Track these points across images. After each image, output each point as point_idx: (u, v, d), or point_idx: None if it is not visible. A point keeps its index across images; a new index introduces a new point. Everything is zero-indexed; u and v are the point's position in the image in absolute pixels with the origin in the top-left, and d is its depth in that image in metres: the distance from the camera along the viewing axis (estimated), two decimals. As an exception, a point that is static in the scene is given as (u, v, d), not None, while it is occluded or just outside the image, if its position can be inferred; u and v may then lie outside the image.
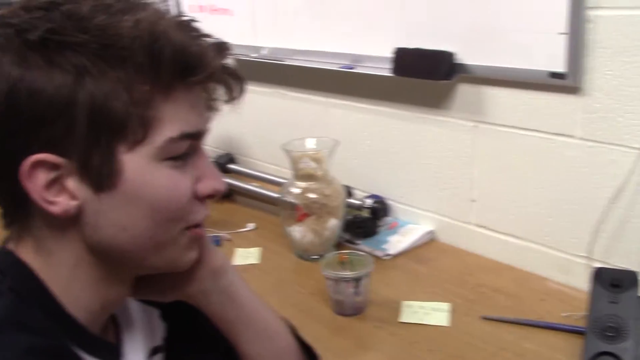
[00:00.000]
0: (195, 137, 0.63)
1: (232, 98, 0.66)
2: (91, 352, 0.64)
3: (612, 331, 0.98)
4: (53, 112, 0.56)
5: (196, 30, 0.62)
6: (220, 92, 0.67)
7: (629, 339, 0.96)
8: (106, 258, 0.63)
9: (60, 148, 0.58)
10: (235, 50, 1.96)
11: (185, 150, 0.63)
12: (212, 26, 0.65)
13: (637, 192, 1.13)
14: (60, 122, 0.57)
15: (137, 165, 0.59)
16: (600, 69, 1.12)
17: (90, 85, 0.56)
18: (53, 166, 0.58)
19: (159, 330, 0.79)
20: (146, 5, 0.61)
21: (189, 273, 0.71)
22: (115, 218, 0.60)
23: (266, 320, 0.78)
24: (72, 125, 0.57)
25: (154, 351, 0.76)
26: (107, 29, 0.57)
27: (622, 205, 1.16)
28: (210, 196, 0.66)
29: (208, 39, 0.63)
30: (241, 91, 0.66)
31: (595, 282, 1.03)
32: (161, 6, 0.63)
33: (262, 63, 1.79)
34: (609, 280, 1.02)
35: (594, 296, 1.02)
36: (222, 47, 0.63)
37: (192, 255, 0.68)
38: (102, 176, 0.59)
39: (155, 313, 0.79)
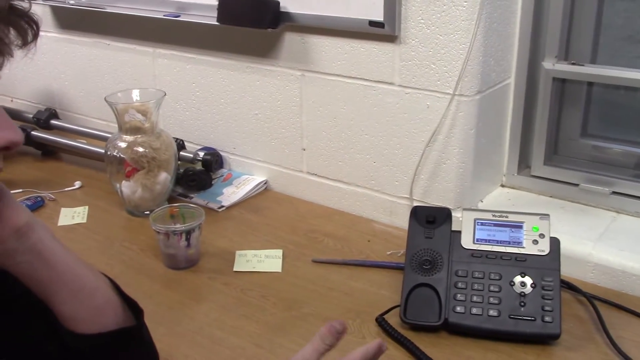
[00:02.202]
0: None
1: (25, 42, 0.61)
2: None
3: (428, 264, 1.05)
4: None
5: None
6: (13, 36, 0.61)
7: (443, 270, 1.04)
8: None
9: None
10: (51, -3, 1.77)
11: None
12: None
13: (449, 135, 1.21)
14: None
15: None
16: (414, 17, 1.17)
17: None
18: None
19: None
20: None
21: None
22: None
23: (82, 278, 0.74)
24: None
25: None
26: None
27: (437, 148, 1.24)
28: (6, 148, 0.61)
29: None
30: (35, 35, 0.61)
31: (413, 219, 1.09)
32: None
33: (81, 10, 1.67)
34: (425, 217, 1.09)
35: (412, 233, 1.08)
36: None
37: None
38: None
39: None
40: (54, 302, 0.73)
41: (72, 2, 1.68)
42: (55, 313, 0.74)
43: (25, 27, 0.60)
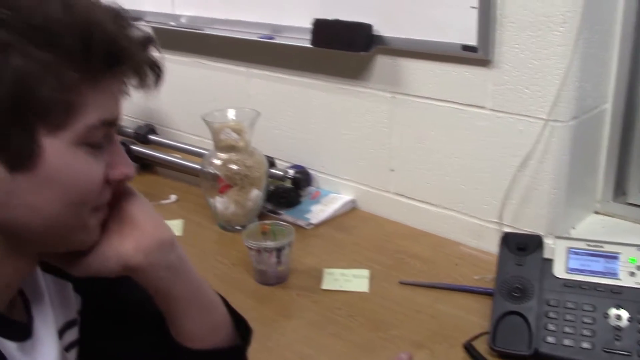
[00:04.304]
0: (112, 124, 0.64)
1: (148, 87, 0.67)
2: None
3: (518, 292, 1.04)
4: None
5: (126, 20, 0.63)
6: (137, 79, 0.67)
7: (533, 298, 1.03)
8: (13, 237, 0.62)
9: None
10: (153, 19, 1.90)
11: (102, 136, 0.63)
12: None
13: (542, 161, 1.20)
14: None
15: (56, 149, 0.59)
16: (508, 42, 1.17)
17: (17, 64, 0.55)
18: None
19: (74, 304, 0.78)
20: None
21: (134, 245, 0.69)
22: (28, 199, 0.60)
23: (208, 296, 0.78)
24: None
25: (68, 325, 0.76)
26: (38, 9, 0.56)
27: (528, 173, 1.22)
28: (120, 181, 0.67)
29: (137, 31, 0.63)
30: (159, 82, 0.67)
31: (503, 246, 1.09)
32: None
33: (181, 32, 1.76)
34: (516, 244, 1.08)
35: (502, 259, 1.08)
36: (149, 40, 0.65)
37: (94, 236, 0.68)
38: (20, 157, 0.58)
39: (69, 286, 0.78)
40: (179, 317, 0.75)
41: (173, 23, 1.77)
42: (174, 328, 0.77)
43: (153, 75, 0.66)
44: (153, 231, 0.70)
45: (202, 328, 0.76)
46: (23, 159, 0.58)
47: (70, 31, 0.57)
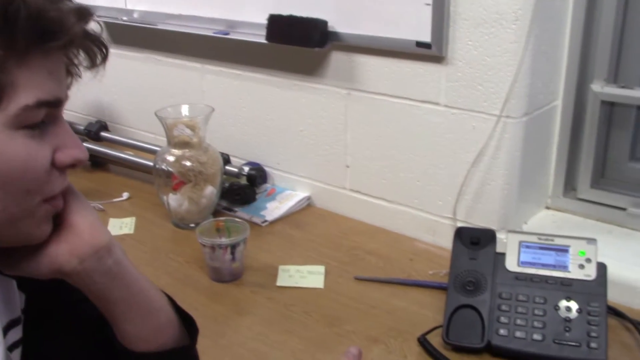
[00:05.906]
0: (53, 105, 0.60)
1: (94, 64, 0.64)
2: None
3: (471, 285, 1.05)
4: None
5: None
6: (82, 57, 0.64)
7: (486, 291, 1.04)
8: None
9: None
10: (105, 13, 1.86)
11: (43, 118, 0.59)
12: (80, -12, 0.62)
13: (495, 157, 1.21)
14: None
15: None
16: (462, 39, 1.18)
17: None
18: None
19: (18, 302, 0.75)
20: None
21: (68, 250, 0.65)
22: None
23: (149, 298, 0.75)
24: None
25: (12, 324, 0.73)
26: None
27: (482, 169, 1.24)
28: (72, 165, 0.63)
29: (69, 3, 0.59)
30: (104, 58, 0.64)
31: (457, 240, 1.10)
32: None
33: (134, 27, 1.73)
34: (469, 239, 1.09)
35: (455, 254, 1.09)
36: (83, 12, 0.60)
37: (46, 228, 0.64)
38: None
39: (13, 283, 0.74)
40: (119, 320, 0.73)
41: (125, 18, 1.74)
42: (117, 330, 0.74)
43: (96, 50, 0.63)
44: (89, 237, 0.66)
45: (144, 330, 0.74)
46: None
47: None
